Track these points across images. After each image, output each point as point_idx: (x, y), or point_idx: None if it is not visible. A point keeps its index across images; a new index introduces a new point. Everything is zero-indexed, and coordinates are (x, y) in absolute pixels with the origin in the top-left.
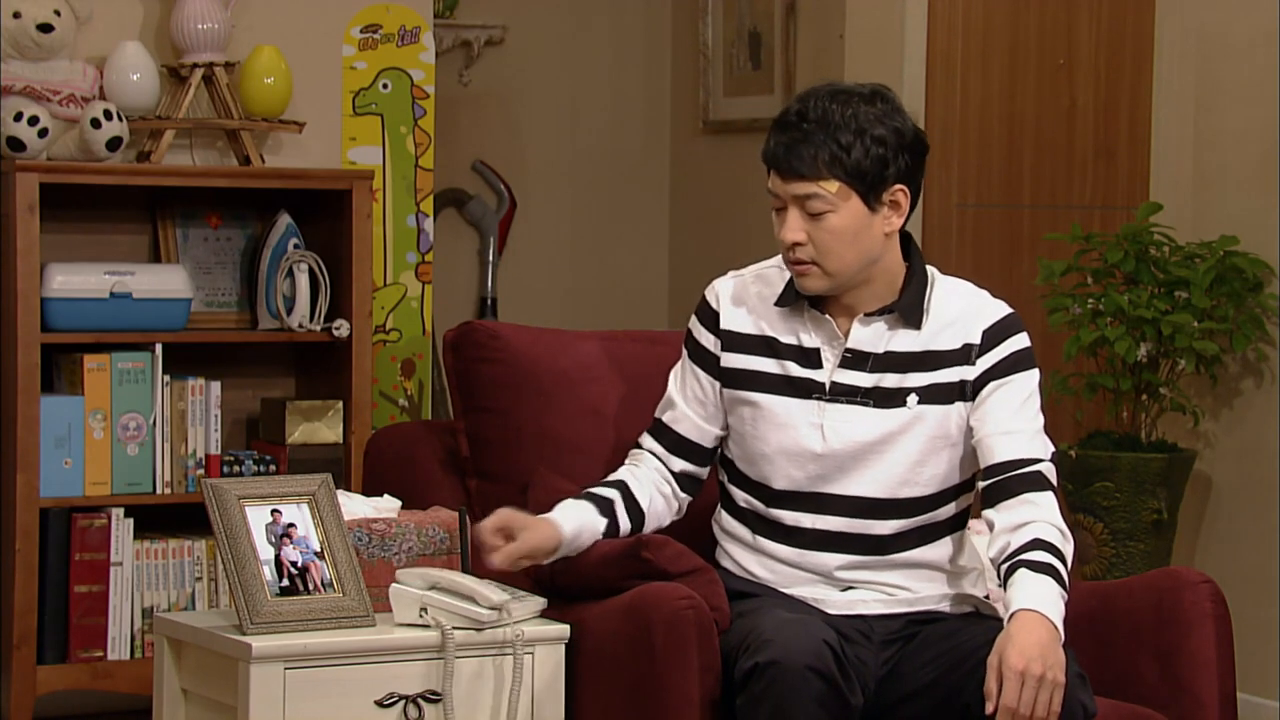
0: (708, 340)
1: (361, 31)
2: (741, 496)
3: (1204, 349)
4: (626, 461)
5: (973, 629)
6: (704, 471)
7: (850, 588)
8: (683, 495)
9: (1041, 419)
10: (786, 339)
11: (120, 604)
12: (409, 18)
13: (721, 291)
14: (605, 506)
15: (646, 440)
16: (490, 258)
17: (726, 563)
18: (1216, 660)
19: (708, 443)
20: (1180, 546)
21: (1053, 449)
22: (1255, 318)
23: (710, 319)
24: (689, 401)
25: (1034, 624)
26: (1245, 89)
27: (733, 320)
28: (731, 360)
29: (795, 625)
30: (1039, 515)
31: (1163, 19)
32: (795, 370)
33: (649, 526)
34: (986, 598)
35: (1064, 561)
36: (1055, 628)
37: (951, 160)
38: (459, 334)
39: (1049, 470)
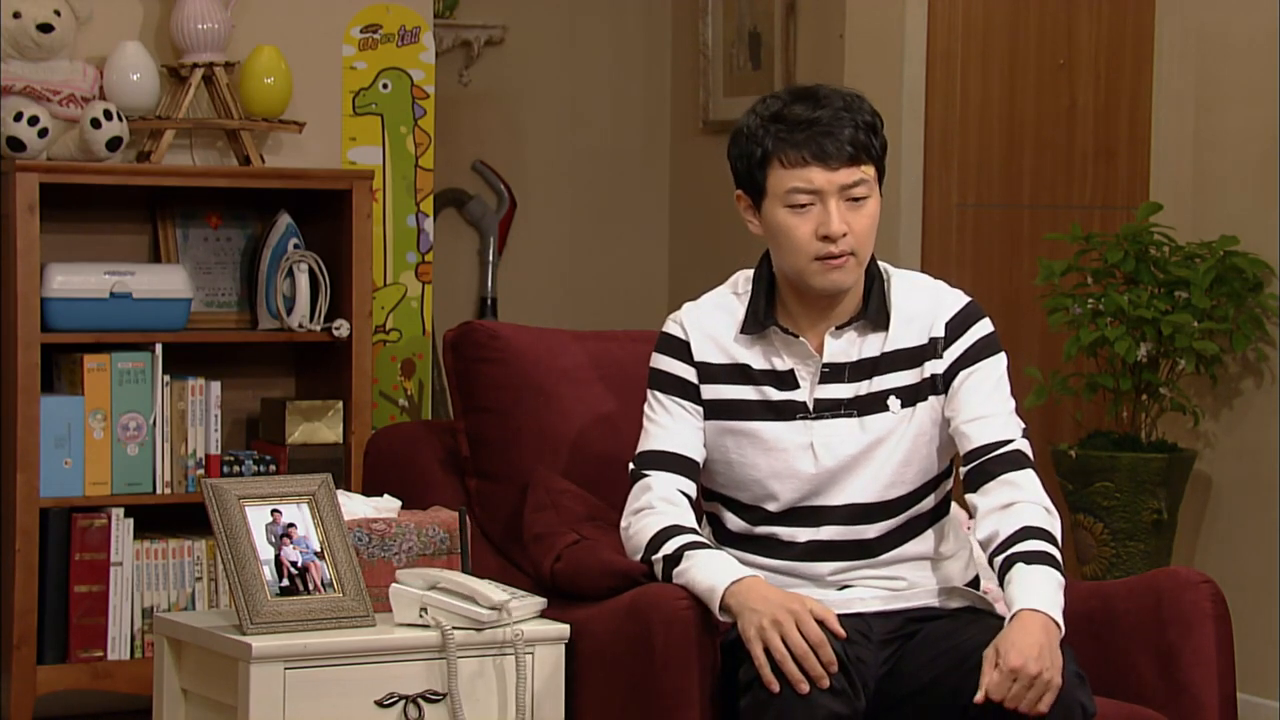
0: (685, 371)
1: (361, 31)
2: (733, 521)
3: (1204, 349)
4: (664, 503)
5: (972, 628)
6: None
7: (846, 586)
8: None
9: (1012, 401)
10: (759, 364)
11: (120, 604)
12: (409, 18)
13: (686, 323)
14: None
15: (674, 482)
16: (490, 258)
17: None
18: (1216, 660)
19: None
20: (1180, 546)
21: (1024, 425)
22: (1255, 318)
23: (682, 350)
24: (689, 428)
25: (1035, 625)
26: (1245, 89)
27: (703, 351)
28: (709, 392)
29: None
30: (1021, 495)
31: (1163, 19)
32: (774, 394)
33: None
34: (973, 583)
35: (1054, 542)
36: (1056, 626)
37: (951, 160)
38: (459, 334)
39: (1025, 447)
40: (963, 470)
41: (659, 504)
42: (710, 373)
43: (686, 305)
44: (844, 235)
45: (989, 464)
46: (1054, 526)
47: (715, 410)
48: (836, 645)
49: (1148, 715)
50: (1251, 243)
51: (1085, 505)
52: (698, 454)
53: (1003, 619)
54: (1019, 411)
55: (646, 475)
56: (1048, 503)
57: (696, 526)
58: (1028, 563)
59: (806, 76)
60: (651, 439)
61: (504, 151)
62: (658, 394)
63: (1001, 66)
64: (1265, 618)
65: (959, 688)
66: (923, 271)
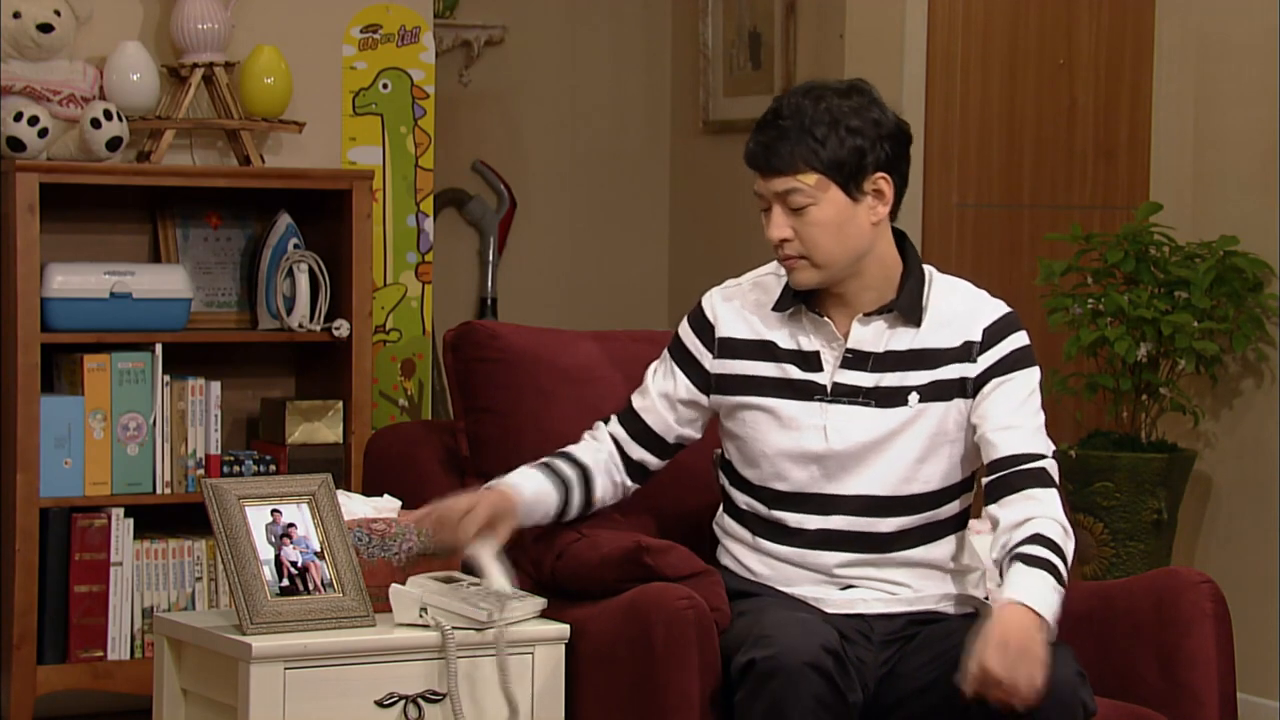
0: (695, 346)
1: (361, 31)
2: (744, 500)
3: (1204, 349)
4: (587, 435)
5: (971, 631)
6: (659, 465)
7: (850, 586)
8: (630, 485)
9: (1042, 416)
10: (786, 343)
11: (120, 604)
12: (409, 18)
13: (718, 300)
14: (563, 489)
15: (613, 424)
16: (490, 258)
17: (727, 561)
18: (1216, 660)
19: (670, 439)
20: (1180, 546)
21: (1053, 447)
22: (1255, 318)
23: (703, 327)
24: (660, 397)
25: (1015, 612)
26: (1245, 89)
27: (729, 327)
28: (729, 366)
29: (795, 623)
30: (1041, 511)
31: (1163, 19)
32: (795, 373)
33: (591, 512)
34: (986, 599)
35: (1062, 557)
36: (1039, 618)
37: (951, 160)
38: (459, 334)
39: (1051, 467)
40: (985, 480)
41: (586, 436)
42: (733, 347)
43: (728, 281)
44: (784, 241)
45: (1013, 477)
46: (1066, 545)
47: (734, 385)
48: (837, 643)
49: (1148, 715)
50: (1251, 243)
51: (1085, 505)
52: (658, 420)
53: None
54: (1047, 429)
55: (612, 418)
56: (1066, 524)
57: (585, 465)
58: (1026, 564)
59: (806, 76)
60: (639, 391)
61: (504, 151)
62: (669, 352)
63: (1001, 66)
64: (1265, 618)
65: (958, 688)
66: None
